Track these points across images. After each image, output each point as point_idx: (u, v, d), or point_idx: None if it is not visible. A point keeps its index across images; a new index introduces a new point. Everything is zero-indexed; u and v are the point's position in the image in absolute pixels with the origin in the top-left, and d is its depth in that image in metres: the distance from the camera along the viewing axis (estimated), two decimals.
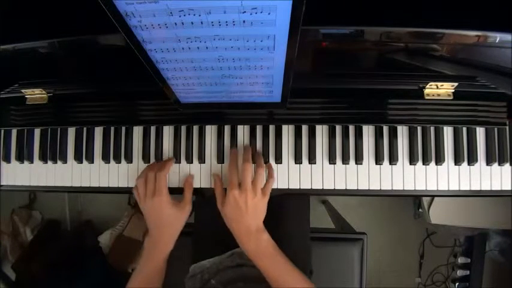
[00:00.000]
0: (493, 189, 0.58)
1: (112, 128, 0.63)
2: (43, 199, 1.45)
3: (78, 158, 0.63)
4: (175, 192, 0.59)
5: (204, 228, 0.70)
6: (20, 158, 0.65)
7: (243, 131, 0.61)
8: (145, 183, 0.54)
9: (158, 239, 0.55)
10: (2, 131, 0.66)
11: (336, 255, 0.80)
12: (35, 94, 0.63)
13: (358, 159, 0.59)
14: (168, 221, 0.54)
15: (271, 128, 0.60)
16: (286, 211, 0.68)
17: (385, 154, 0.59)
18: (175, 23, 0.31)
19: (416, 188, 0.58)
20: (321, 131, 0.60)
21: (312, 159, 0.59)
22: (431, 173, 0.58)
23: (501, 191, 0.58)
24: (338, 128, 0.60)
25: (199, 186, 0.61)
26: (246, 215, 0.51)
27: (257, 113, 0.59)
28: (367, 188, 0.59)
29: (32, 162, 0.65)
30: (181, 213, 0.55)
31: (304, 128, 0.60)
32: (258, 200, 0.52)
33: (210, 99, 0.50)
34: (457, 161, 0.58)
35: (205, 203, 0.68)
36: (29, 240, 1.32)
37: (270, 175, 0.57)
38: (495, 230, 1.19)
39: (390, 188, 0.58)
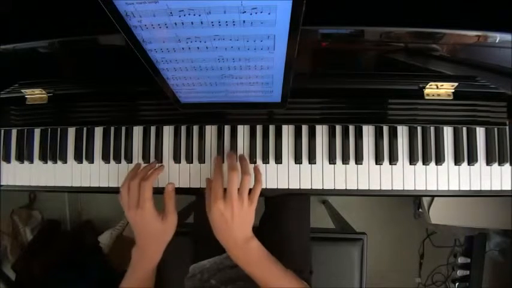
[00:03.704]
0: (493, 189, 0.58)
1: (112, 128, 0.63)
2: (43, 199, 1.45)
3: (78, 158, 0.63)
4: (176, 192, 0.60)
5: (203, 228, 0.70)
6: (20, 158, 0.65)
7: (243, 131, 0.61)
8: (128, 191, 0.52)
9: (145, 250, 0.53)
10: (2, 131, 0.66)
11: (336, 255, 0.80)
12: (35, 94, 0.63)
13: (358, 159, 0.59)
14: (152, 234, 0.52)
15: (271, 128, 0.60)
16: (286, 211, 0.67)
17: (385, 154, 0.59)
18: (175, 23, 0.31)
19: (416, 188, 0.58)
20: (321, 131, 0.60)
21: (312, 159, 0.59)
22: (431, 173, 0.58)
23: (501, 191, 0.58)
24: (338, 128, 0.60)
25: (199, 187, 0.61)
26: (232, 226, 0.49)
27: (257, 113, 0.59)
28: (367, 188, 0.59)
29: (32, 162, 0.65)
30: (165, 226, 0.53)
31: (304, 128, 0.60)
32: (245, 209, 0.49)
33: (210, 99, 0.50)
34: (457, 161, 0.58)
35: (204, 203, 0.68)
36: (29, 240, 1.32)
37: (257, 180, 0.53)
38: (495, 230, 1.19)
39: (390, 188, 0.58)
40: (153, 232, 0.52)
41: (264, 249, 0.52)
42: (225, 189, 0.50)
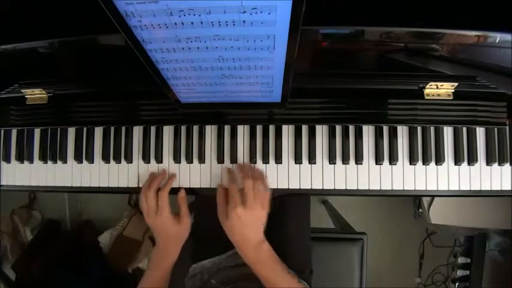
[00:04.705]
0: (493, 189, 0.58)
1: (112, 128, 0.63)
2: (43, 199, 1.45)
3: (78, 158, 0.63)
4: (176, 192, 0.60)
5: (204, 229, 0.70)
6: (20, 158, 0.65)
7: (243, 131, 0.61)
8: (146, 201, 0.57)
9: (165, 250, 0.59)
10: (2, 131, 0.66)
11: (336, 255, 0.80)
12: (35, 94, 0.63)
13: (358, 159, 0.59)
14: (171, 235, 0.58)
15: (271, 128, 0.60)
16: (286, 211, 0.67)
17: (385, 154, 0.59)
18: (175, 23, 0.31)
19: (416, 188, 0.58)
20: (321, 131, 0.60)
21: (312, 159, 0.59)
22: (431, 173, 0.58)
23: (501, 191, 0.58)
24: (338, 128, 0.60)
25: (199, 187, 0.61)
26: (248, 229, 0.52)
27: (257, 113, 0.59)
28: (367, 188, 0.59)
29: (32, 162, 0.65)
30: (181, 227, 0.59)
31: (304, 128, 0.60)
32: (259, 213, 0.53)
33: (210, 99, 0.50)
34: (457, 161, 0.58)
35: (205, 203, 0.68)
36: (29, 240, 1.32)
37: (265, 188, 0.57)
38: (495, 230, 1.19)
39: (390, 188, 0.58)
40: (172, 233, 0.58)
41: (274, 253, 0.55)
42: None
